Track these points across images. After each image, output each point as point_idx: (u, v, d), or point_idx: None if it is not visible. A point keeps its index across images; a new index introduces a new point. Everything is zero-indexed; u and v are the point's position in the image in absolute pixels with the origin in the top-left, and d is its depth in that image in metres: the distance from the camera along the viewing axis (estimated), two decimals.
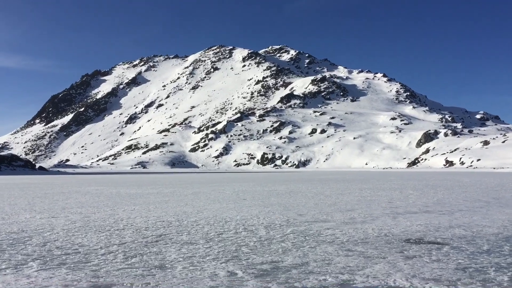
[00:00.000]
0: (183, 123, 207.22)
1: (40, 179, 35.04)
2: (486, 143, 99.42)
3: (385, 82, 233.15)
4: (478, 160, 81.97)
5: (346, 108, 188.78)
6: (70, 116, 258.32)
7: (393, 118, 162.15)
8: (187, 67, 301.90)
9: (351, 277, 4.28)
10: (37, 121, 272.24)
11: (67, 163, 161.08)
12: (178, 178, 37.88)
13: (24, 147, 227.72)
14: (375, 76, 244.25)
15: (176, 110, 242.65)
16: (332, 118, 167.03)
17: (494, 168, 67.06)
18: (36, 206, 11.24)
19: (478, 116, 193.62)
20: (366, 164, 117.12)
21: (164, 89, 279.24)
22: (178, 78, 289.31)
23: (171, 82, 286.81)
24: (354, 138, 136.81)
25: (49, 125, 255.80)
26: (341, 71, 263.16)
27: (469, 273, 4.35)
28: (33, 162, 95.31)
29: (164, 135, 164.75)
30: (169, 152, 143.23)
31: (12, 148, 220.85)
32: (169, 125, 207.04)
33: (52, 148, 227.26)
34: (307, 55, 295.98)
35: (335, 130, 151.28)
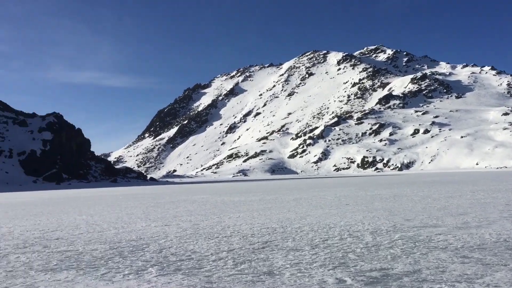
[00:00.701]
0: (281, 130, 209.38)
1: (152, 189, 37.48)
2: None
3: (494, 75, 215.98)
4: None
5: (451, 105, 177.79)
6: (175, 129, 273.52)
7: (506, 114, 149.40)
8: (282, 75, 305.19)
9: (469, 285, 4.03)
10: (146, 135, 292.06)
11: (174, 173, 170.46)
12: (278, 184, 38.30)
13: (136, 160, 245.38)
14: (482, 70, 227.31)
15: (273, 117, 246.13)
16: (436, 117, 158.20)
17: None
18: (150, 215, 12.05)
19: None
20: (477, 164, 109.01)
21: (261, 97, 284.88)
22: (274, 86, 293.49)
23: (267, 90, 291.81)
24: (462, 137, 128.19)
25: (157, 138, 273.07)
26: (443, 67, 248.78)
27: None
28: (145, 174, 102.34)
29: (263, 143, 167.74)
30: (269, 159, 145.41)
31: (126, 161, 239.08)
32: (267, 133, 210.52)
33: (161, 159, 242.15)
34: (405, 53, 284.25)
35: (439, 129, 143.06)
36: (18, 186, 58.18)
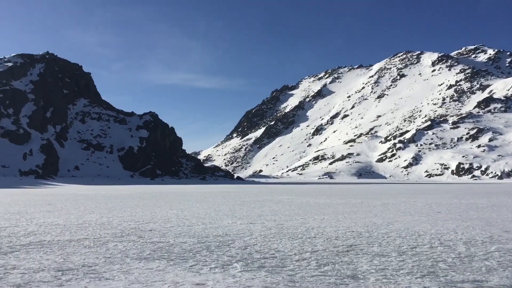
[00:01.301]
0: (369, 133, 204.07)
1: (238, 188, 38.37)
2: None
3: None
4: None
5: None
6: (262, 129, 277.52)
7: None
8: (372, 76, 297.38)
9: None
10: (234, 135, 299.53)
11: (260, 173, 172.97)
12: (365, 188, 37.40)
13: (224, 159, 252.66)
14: None
15: (361, 120, 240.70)
16: None
17: None
18: (236, 212, 12.36)
19: None
20: None
21: (349, 99, 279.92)
22: (363, 87, 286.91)
23: (356, 92, 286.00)
24: None
25: (244, 138, 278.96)
26: None
27: None
28: (232, 173, 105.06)
29: (350, 146, 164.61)
30: (356, 162, 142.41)
31: (214, 160, 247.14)
32: (354, 136, 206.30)
33: (247, 159, 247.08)
34: (508, 53, 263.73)
35: None
36: (117, 180, 62.47)
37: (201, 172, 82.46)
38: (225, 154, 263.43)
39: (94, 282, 4.56)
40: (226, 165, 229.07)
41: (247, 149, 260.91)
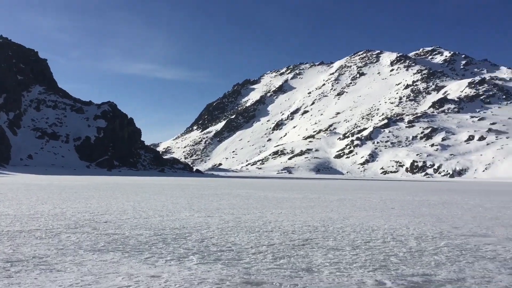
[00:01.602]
0: (328, 130, 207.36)
1: (197, 181, 38.15)
2: None
3: None
4: None
5: (510, 112, 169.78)
6: (223, 123, 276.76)
7: None
8: (333, 74, 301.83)
9: None
10: (195, 127, 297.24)
11: (220, 166, 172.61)
12: (323, 184, 38.01)
13: (183, 152, 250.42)
14: None
15: (321, 116, 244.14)
16: (493, 124, 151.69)
17: None
18: (194, 205, 12.29)
19: None
20: None
21: (310, 95, 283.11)
22: (324, 84, 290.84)
23: (317, 88, 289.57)
24: None
25: (205, 131, 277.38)
26: (503, 72, 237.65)
27: None
28: (191, 165, 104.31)
29: (309, 141, 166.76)
30: (314, 158, 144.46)
31: (173, 152, 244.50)
32: (314, 132, 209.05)
33: (207, 152, 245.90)
34: (463, 56, 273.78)
35: (496, 137, 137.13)
36: (73, 170, 60.79)
37: (160, 164, 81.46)
38: (185, 147, 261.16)
39: (45, 274, 4.43)
40: (186, 158, 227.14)
41: (207, 142, 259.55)
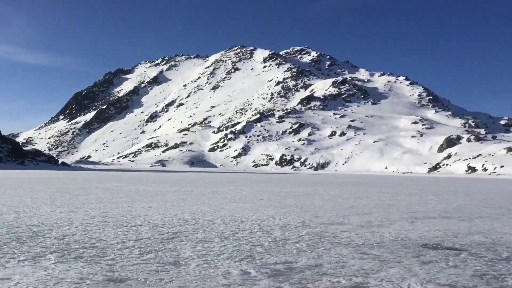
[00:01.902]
0: (203, 123, 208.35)
1: (63, 175, 35.65)
2: (510, 149, 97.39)
3: (407, 85, 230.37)
4: (502, 167, 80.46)
5: (367, 111, 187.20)
6: (93, 113, 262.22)
7: (415, 122, 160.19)
8: (208, 67, 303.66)
9: (364, 280, 4.25)
10: (61, 117, 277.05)
11: (89, 159, 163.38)
12: (196, 177, 38.10)
13: (47, 143, 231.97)
14: (397, 79, 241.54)
15: (196, 109, 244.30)
16: (352, 121, 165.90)
17: None
18: (57, 200, 11.45)
19: (502, 122, 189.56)
20: (386, 168, 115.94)
21: (185, 88, 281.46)
22: (199, 77, 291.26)
23: (192, 81, 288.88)
24: (374, 142, 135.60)
25: (72, 121, 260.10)
26: (362, 74, 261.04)
27: (486, 280, 4.28)
28: (56, 158, 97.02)
29: (184, 134, 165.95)
30: (188, 151, 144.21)
31: (36, 143, 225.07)
32: (189, 125, 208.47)
33: (75, 144, 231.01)
34: (328, 57, 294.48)
35: (355, 133, 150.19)
36: None
37: (19, 156, 74.48)
38: (49, 138, 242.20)
39: None
40: (50, 150, 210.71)
41: (75, 133, 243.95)
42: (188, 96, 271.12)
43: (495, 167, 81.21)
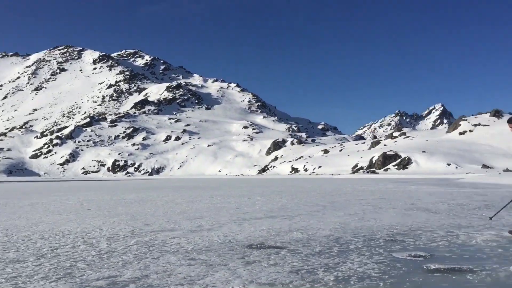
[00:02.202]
0: (23, 127, 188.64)
1: None
2: (326, 151, 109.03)
3: (238, 92, 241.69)
4: (319, 167, 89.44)
5: (201, 116, 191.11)
6: None
7: (245, 127, 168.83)
8: (29, 67, 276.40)
9: (190, 287, 4.25)
10: None
11: None
12: (13, 188, 34.27)
13: None
14: (229, 86, 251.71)
15: (15, 112, 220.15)
16: (187, 125, 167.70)
17: (332, 174, 73.76)
18: None
19: (320, 127, 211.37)
20: (219, 171, 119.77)
21: (1, 89, 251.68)
22: (18, 77, 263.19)
23: (10, 81, 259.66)
24: (208, 146, 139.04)
25: None
26: (196, 79, 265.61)
27: (301, 275, 4.63)
28: None
29: (0, 140, 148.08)
30: (6, 158, 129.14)
31: None
32: (6, 129, 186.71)
33: None
34: (162, 61, 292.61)
35: (189, 137, 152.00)
36: None
37: None
38: None
39: None
40: None
41: None
42: (5, 97, 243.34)
43: (314, 167, 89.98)
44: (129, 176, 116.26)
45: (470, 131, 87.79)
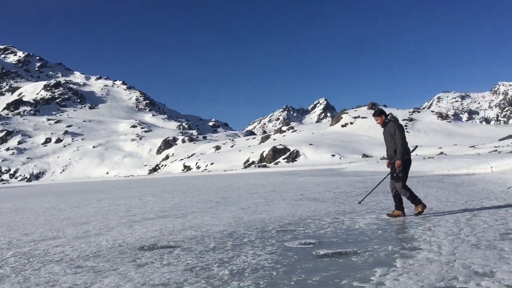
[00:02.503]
0: None
1: None
2: (218, 148, 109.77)
3: (124, 89, 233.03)
4: (212, 163, 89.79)
5: (84, 115, 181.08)
6: None
7: (134, 126, 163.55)
8: None
9: None
10: None
11: None
12: None
13: None
14: (114, 84, 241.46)
15: None
16: (69, 126, 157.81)
17: (225, 170, 74.51)
18: None
19: (210, 124, 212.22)
20: (107, 173, 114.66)
21: None
22: None
23: None
24: (94, 147, 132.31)
25: None
26: (77, 77, 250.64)
27: (195, 272, 4.56)
28: None
29: None
30: None
31: None
32: None
33: None
34: (38, 58, 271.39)
35: (72, 139, 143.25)
36: None
37: None
38: None
39: None
40: None
41: None
42: None
43: (207, 164, 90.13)
44: (4, 183, 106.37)
45: (351, 123, 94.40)
